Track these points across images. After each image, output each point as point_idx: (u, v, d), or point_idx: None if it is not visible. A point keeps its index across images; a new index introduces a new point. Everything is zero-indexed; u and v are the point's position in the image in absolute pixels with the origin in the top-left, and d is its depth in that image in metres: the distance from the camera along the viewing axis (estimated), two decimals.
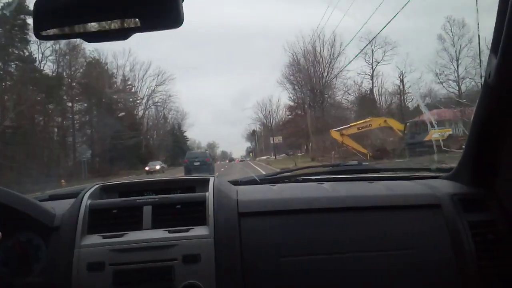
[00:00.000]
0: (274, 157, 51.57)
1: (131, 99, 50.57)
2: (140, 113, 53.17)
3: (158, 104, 54.71)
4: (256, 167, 27.53)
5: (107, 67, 45.61)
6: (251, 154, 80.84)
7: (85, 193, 1.37)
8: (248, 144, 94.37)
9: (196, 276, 1.17)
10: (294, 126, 51.01)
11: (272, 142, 52.86)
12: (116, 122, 40.10)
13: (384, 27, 27.45)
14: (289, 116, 57.09)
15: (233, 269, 1.21)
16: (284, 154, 54.98)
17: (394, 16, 19.89)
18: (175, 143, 57.92)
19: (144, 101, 52.96)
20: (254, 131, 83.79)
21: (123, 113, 47.68)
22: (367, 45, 36.20)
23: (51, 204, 1.43)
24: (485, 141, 1.31)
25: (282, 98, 74.40)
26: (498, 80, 1.12)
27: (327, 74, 46.85)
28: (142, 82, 51.01)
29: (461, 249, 1.26)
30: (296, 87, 51.92)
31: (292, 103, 54.87)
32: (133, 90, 51.23)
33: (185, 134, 65.12)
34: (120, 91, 48.11)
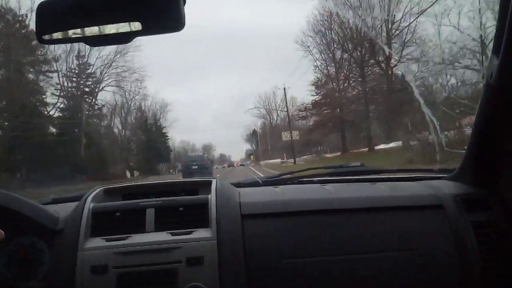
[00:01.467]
0: (292, 161, 35.14)
1: (70, 74, 34.11)
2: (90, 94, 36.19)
3: (122, 85, 38.03)
4: None
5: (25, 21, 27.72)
6: (252, 156, 71.37)
7: (88, 196, 1.37)
8: (248, 146, 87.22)
9: (200, 278, 1.17)
10: (327, 110, 33.34)
11: (286, 138, 35.68)
12: (34, 107, 25.90)
13: None
14: (315, 97, 36.12)
15: (236, 271, 1.21)
16: (308, 155, 39.18)
17: None
18: (149, 143, 42.76)
19: (96, 83, 36.29)
20: (254, 130, 73.69)
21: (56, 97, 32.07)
22: None
23: (54, 207, 1.44)
24: (488, 141, 1.31)
25: (293, 89, 65.06)
26: (500, 80, 1.12)
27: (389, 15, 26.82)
28: (91, 49, 33.48)
29: (464, 250, 1.25)
30: (335, 38, 31.99)
31: (319, 75, 35.66)
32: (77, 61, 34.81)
33: (165, 131, 49.47)
34: (50, 60, 31.67)
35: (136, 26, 0.84)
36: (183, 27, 0.83)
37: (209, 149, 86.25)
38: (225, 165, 78.68)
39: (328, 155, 34.45)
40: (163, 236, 1.23)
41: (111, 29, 0.85)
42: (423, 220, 1.32)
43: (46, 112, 30.53)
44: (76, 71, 35.96)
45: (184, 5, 0.83)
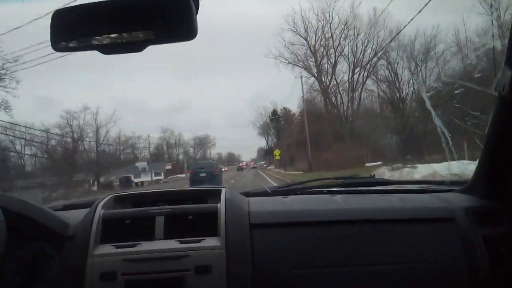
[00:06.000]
0: None
1: None
2: None
3: None
4: None
5: None
6: (276, 152, 39.42)
7: (98, 203, 1.38)
8: (262, 143, 60.76)
9: (208, 287, 1.17)
10: None
11: None
12: None
13: None
14: None
15: (244, 280, 1.20)
16: None
17: None
18: None
19: None
20: (274, 111, 48.21)
21: None
22: None
23: (65, 214, 1.45)
24: (500, 154, 1.30)
25: None
26: None
27: None
28: None
29: (475, 263, 1.23)
30: None
31: None
32: None
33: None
34: None
35: (149, 34, 0.85)
36: (196, 35, 0.84)
37: (205, 144, 62.91)
38: (225, 168, 50.21)
39: None
40: (172, 244, 1.23)
41: (124, 37, 0.86)
42: (434, 232, 1.30)
43: None
44: None
45: (196, 14, 0.84)
